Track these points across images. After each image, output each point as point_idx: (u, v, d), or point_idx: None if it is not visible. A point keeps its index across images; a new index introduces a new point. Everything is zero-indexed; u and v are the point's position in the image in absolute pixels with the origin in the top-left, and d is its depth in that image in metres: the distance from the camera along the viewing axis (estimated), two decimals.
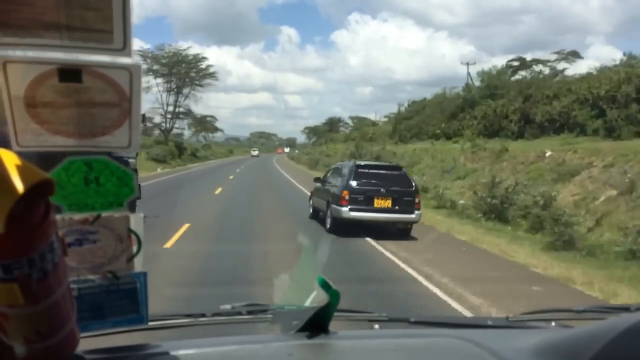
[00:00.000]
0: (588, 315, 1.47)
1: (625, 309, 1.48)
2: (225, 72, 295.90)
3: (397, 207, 10.25)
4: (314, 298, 1.16)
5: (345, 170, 11.03)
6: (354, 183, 10.42)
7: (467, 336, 1.16)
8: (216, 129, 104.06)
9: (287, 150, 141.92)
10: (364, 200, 10.22)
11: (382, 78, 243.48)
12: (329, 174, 12.48)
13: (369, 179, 10.62)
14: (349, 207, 10.16)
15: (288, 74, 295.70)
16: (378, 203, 10.23)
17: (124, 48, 0.75)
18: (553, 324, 1.42)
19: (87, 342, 0.97)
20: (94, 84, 0.78)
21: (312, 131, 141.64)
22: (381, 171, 11.03)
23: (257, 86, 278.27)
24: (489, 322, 1.42)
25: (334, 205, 10.50)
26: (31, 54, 0.74)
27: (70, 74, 0.77)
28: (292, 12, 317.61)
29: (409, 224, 10.51)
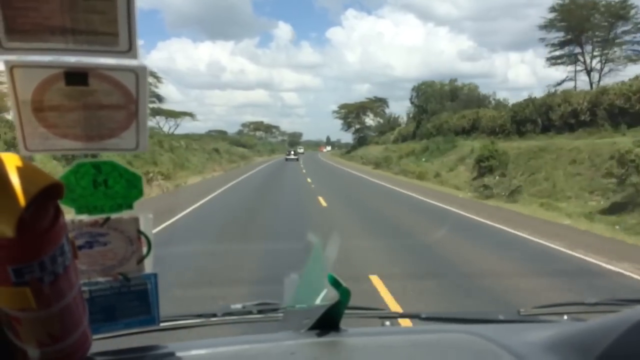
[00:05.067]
0: (601, 308, 1.46)
1: (639, 301, 1.47)
2: (219, 68, 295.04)
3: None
4: (325, 296, 1.16)
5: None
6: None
7: (478, 331, 1.16)
8: (169, 111, 58.90)
9: (329, 148, 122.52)
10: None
11: (381, 75, 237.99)
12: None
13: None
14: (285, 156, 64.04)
15: (284, 70, 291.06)
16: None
17: (130, 50, 0.75)
18: (565, 317, 1.41)
19: (99, 344, 0.97)
20: (100, 87, 0.78)
21: (351, 111, 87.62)
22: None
23: (252, 83, 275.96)
24: (501, 317, 1.41)
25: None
26: (37, 58, 0.75)
27: (76, 77, 0.77)
28: (287, 4, 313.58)
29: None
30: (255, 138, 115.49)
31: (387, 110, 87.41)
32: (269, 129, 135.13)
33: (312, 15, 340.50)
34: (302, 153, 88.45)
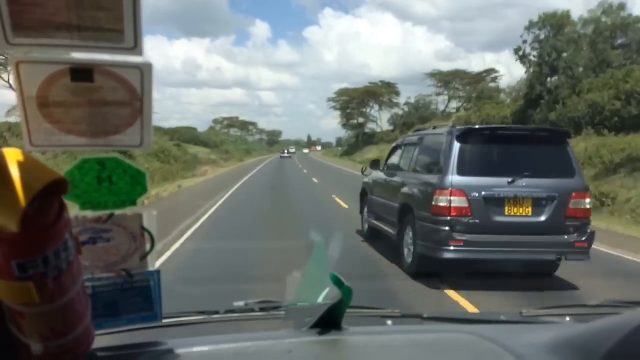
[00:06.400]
0: (603, 310, 1.46)
1: None
2: (195, 66, 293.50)
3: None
4: (327, 295, 1.16)
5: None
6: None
7: (480, 332, 1.16)
8: None
9: (319, 149, 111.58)
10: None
11: (359, 74, 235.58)
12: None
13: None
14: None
15: (261, 69, 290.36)
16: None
17: (135, 47, 0.75)
18: (568, 319, 1.41)
19: (101, 340, 0.97)
20: (105, 84, 0.79)
21: (354, 98, 67.40)
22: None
23: (229, 82, 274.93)
24: (503, 318, 1.41)
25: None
26: (43, 54, 0.75)
27: (82, 73, 0.77)
28: (264, 2, 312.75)
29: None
30: (228, 136, 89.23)
31: (397, 99, 65.39)
32: (245, 126, 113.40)
33: (289, 13, 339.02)
34: (294, 152, 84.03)
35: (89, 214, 0.92)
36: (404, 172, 7.13)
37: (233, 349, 1.10)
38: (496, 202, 5.65)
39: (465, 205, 5.58)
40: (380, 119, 69.04)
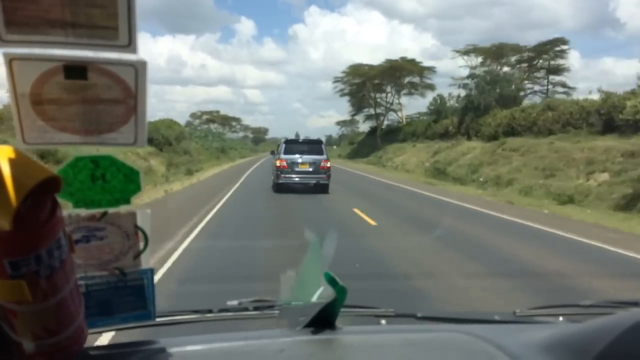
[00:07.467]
0: (596, 310, 1.46)
1: (635, 303, 1.48)
2: (179, 63, 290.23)
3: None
4: (321, 294, 1.16)
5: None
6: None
7: (474, 331, 1.16)
8: None
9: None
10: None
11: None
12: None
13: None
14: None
15: (246, 67, 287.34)
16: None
17: (129, 44, 0.75)
18: (561, 318, 1.42)
19: (94, 338, 0.97)
20: (99, 81, 0.78)
21: (371, 77, 48.50)
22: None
23: (214, 79, 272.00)
24: (496, 317, 1.41)
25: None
26: (37, 51, 0.74)
27: (75, 70, 0.77)
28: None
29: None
30: (193, 129, 68.04)
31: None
32: (227, 121, 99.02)
33: (275, 10, 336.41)
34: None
35: (82, 211, 0.91)
36: (276, 154, 18.37)
37: (226, 348, 1.10)
38: (296, 163, 17.00)
39: (286, 165, 16.99)
40: (401, 108, 52.40)
